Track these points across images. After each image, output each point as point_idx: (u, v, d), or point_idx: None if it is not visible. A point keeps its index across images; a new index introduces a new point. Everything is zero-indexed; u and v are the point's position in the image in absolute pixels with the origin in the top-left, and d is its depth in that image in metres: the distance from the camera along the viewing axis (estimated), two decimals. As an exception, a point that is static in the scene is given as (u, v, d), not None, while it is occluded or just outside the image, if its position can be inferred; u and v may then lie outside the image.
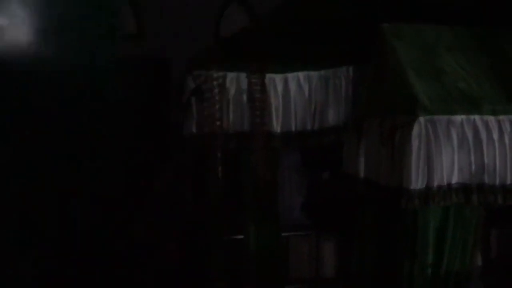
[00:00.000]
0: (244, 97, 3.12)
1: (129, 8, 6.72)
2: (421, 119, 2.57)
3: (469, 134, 2.60)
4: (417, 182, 2.57)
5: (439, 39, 2.83)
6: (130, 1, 6.65)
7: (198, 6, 6.58)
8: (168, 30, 6.43)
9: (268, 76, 3.14)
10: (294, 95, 3.18)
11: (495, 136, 2.62)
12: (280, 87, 3.16)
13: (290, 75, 3.16)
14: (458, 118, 2.60)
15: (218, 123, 3.10)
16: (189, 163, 3.34)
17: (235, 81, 3.12)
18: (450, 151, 2.59)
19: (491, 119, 2.62)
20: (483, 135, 2.61)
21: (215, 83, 3.09)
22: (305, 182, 3.88)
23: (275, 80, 3.15)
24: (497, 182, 2.60)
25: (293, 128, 3.20)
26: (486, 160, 2.60)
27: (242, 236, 3.36)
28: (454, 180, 2.58)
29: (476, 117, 2.62)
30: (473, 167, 2.60)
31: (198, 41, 6.03)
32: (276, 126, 3.18)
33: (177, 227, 3.63)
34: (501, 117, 2.62)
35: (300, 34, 3.35)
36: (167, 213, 3.77)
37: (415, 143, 2.58)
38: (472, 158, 2.60)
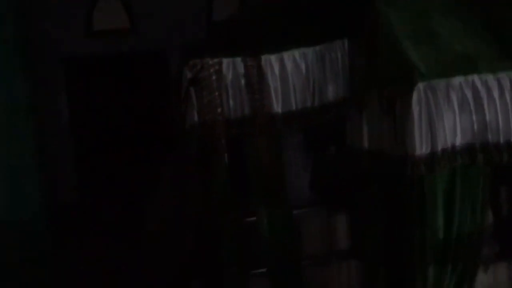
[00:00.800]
0: (242, 81, 3.12)
1: (120, 3, 6.71)
2: (420, 85, 2.57)
3: (469, 95, 2.60)
4: (421, 148, 2.58)
5: (431, 3, 2.82)
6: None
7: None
8: (161, 22, 6.42)
9: (264, 57, 3.14)
10: (292, 73, 3.18)
11: (496, 94, 2.62)
12: (276, 67, 3.15)
13: (286, 54, 3.15)
14: (457, 80, 2.60)
15: (219, 110, 3.11)
16: (194, 152, 3.36)
17: (231, 66, 3.12)
18: (452, 114, 2.59)
19: (490, 78, 2.62)
20: (483, 94, 2.61)
21: (211, 70, 3.09)
22: (311, 160, 3.90)
23: (271, 61, 3.14)
24: (501, 139, 2.61)
25: (294, 107, 3.20)
26: (488, 119, 2.61)
27: (254, 219, 3.38)
28: (458, 142, 2.59)
29: (475, 77, 2.62)
30: (475, 127, 2.60)
31: (192, 31, 6.03)
32: (277, 107, 3.18)
33: (187, 217, 3.66)
34: (500, 75, 2.62)
35: (292, 11, 3.34)
36: (176, 205, 3.80)
37: (416, 110, 2.59)
38: (474, 118, 2.60)
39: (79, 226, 6.11)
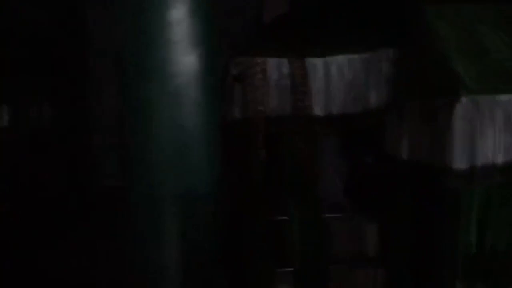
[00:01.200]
0: (286, 82, 3.18)
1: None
2: (464, 99, 2.57)
3: (514, 114, 2.59)
4: (460, 161, 2.58)
5: (482, 18, 2.81)
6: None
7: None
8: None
9: (309, 60, 3.18)
10: (335, 78, 3.22)
11: (542, 115, 2.60)
12: (321, 71, 3.19)
13: (331, 59, 3.19)
14: (503, 98, 2.59)
15: (260, 107, 3.17)
16: (234, 147, 3.43)
17: (276, 66, 3.18)
18: (495, 131, 2.58)
19: (537, 98, 2.60)
20: (529, 114, 2.59)
21: (257, 68, 3.15)
22: (347, 165, 3.92)
23: (316, 64, 3.19)
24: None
25: (335, 112, 3.24)
26: (532, 139, 2.59)
27: (285, 218, 3.43)
28: (499, 159, 2.58)
29: (522, 96, 2.60)
30: (518, 146, 2.59)
31: (241, 28, 6.11)
32: (318, 109, 3.22)
33: (222, 211, 3.73)
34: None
35: (341, 17, 3.38)
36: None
37: (458, 123, 2.59)
38: (518, 137, 2.59)
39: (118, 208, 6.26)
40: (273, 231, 3.39)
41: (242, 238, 3.44)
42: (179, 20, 1.17)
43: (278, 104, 3.20)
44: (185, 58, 1.19)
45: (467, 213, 2.64)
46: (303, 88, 3.16)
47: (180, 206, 1.18)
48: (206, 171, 1.26)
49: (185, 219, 1.21)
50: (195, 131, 1.22)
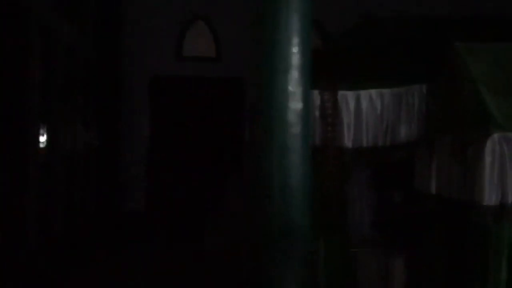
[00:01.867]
0: (317, 113, 3.23)
1: (208, 33, 7.12)
2: (495, 135, 2.58)
3: (545, 152, 2.57)
4: (490, 198, 2.56)
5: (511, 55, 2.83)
6: (211, 28, 7.06)
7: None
8: (244, 52, 6.72)
9: (341, 93, 3.24)
10: (366, 111, 3.26)
11: None
12: (352, 104, 3.24)
13: (363, 92, 3.24)
14: (534, 135, 2.59)
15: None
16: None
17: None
18: (525, 168, 2.57)
19: None
20: (560, 153, 2.57)
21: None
22: (376, 198, 3.91)
23: (347, 97, 3.24)
24: None
25: (365, 144, 3.27)
26: None
27: (311, 249, 3.43)
28: (529, 196, 2.56)
29: (554, 135, 2.59)
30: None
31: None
32: (348, 141, 3.26)
33: (248, 237, 3.76)
34: None
35: (372, 52, 3.44)
36: (238, 224, 3.91)
37: (488, 159, 2.58)
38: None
39: (145, 234, 6.37)
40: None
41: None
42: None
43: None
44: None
45: (497, 250, 2.61)
46: (333, 119, 3.21)
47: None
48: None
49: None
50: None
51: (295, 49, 1.23)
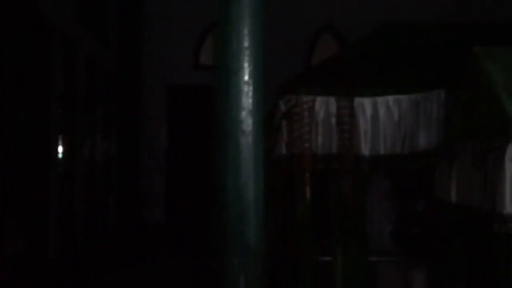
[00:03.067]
0: (333, 120, 3.21)
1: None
2: (514, 142, 2.51)
3: None
4: (511, 206, 2.50)
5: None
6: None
7: (290, 36, 6.83)
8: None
9: (357, 100, 3.21)
10: (383, 118, 3.22)
11: None
12: (369, 111, 3.21)
13: (380, 99, 3.20)
14: (555, 141, 2.52)
15: (307, 145, 3.20)
16: (279, 184, 3.46)
17: (324, 105, 3.22)
18: (547, 175, 2.50)
19: None
20: None
21: (305, 106, 3.21)
22: (396, 209, 3.85)
23: (364, 104, 3.21)
24: None
25: (382, 152, 3.23)
26: None
27: (329, 258, 3.39)
28: (551, 204, 2.48)
29: None
30: None
31: (290, 68, 6.28)
32: (365, 149, 3.22)
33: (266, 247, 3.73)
34: None
35: (390, 58, 3.40)
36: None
37: (509, 166, 2.52)
38: None
39: (165, 245, 6.39)
40: (317, 271, 3.35)
41: (286, 277, 3.41)
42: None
43: (325, 142, 3.23)
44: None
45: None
46: (350, 127, 3.18)
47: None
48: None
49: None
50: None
51: (246, 51, 1.25)
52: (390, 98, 3.22)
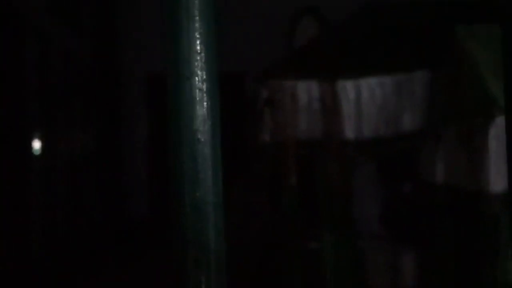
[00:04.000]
0: (316, 105, 3.22)
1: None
2: (499, 119, 2.55)
3: (552, 134, 2.54)
4: (497, 184, 2.54)
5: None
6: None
7: (269, 20, 6.81)
8: (242, 45, 6.71)
9: (340, 83, 3.22)
10: (367, 101, 3.24)
11: None
12: (352, 94, 3.23)
13: (363, 81, 3.22)
14: (540, 117, 2.56)
15: (291, 131, 3.21)
16: (264, 172, 3.47)
17: (306, 89, 3.23)
18: (532, 152, 2.54)
19: None
20: None
21: (287, 91, 3.21)
22: (382, 192, 3.89)
23: (347, 87, 3.22)
24: None
25: (367, 135, 3.25)
26: None
27: (317, 245, 3.42)
28: (536, 181, 2.53)
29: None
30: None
31: (272, 54, 6.27)
32: (349, 133, 3.24)
33: (253, 237, 3.75)
34: None
35: (373, 40, 3.41)
36: (242, 224, 3.91)
37: (493, 145, 2.56)
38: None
39: (149, 239, 6.39)
40: (305, 259, 3.39)
41: (273, 265, 3.44)
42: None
43: (308, 127, 3.24)
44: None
45: (506, 238, 2.59)
46: (334, 111, 3.19)
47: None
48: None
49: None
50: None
51: (198, 56, 1.23)
52: (373, 80, 3.24)
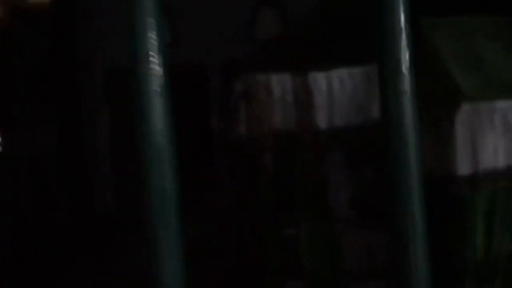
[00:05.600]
0: (290, 97, 3.39)
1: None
2: (464, 107, 2.79)
3: (512, 119, 2.80)
4: (463, 167, 2.78)
5: (478, 29, 3.04)
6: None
7: (229, 11, 6.91)
8: (200, 36, 6.77)
9: (312, 75, 3.40)
10: (338, 91, 3.44)
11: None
12: (323, 85, 3.41)
13: (333, 73, 3.41)
14: (501, 103, 2.81)
15: (266, 124, 3.38)
16: (237, 164, 3.62)
17: (280, 82, 3.39)
18: (494, 137, 2.80)
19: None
20: (526, 119, 2.80)
21: (261, 85, 3.37)
22: (354, 177, 4.10)
23: (318, 79, 3.40)
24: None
25: (339, 125, 3.45)
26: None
27: (294, 231, 3.61)
28: (500, 164, 2.79)
29: (519, 103, 2.81)
30: (517, 150, 2.80)
31: (231, 45, 6.37)
32: (322, 123, 3.43)
33: (229, 227, 3.91)
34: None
35: (339, 31, 3.61)
36: (219, 214, 4.05)
37: (459, 130, 2.79)
38: (516, 141, 2.80)
39: (116, 235, 6.43)
40: (283, 245, 3.57)
41: (253, 253, 3.61)
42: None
43: (283, 119, 3.42)
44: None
45: (473, 218, 2.84)
46: (306, 103, 3.38)
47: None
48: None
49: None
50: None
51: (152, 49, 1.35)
52: (344, 72, 3.43)
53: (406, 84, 1.45)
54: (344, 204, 4.08)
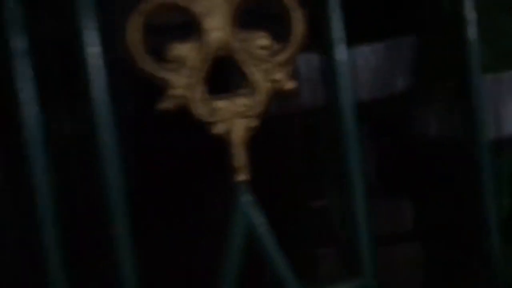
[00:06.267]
0: (316, 75, 3.55)
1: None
2: (487, 77, 2.94)
3: (533, 87, 2.96)
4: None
5: (496, 3, 3.17)
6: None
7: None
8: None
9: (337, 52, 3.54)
10: (361, 67, 3.59)
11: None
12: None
13: (357, 49, 3.55)
14: (522, 72, 2.97)
15: (294, 101, 3.55)
16: (270, 141, 3.80)
17: (306, 61, 3.54)
18: (516, 104, 2.96)
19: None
20: (547, 86, 2.96)
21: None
22: (376, 148, 4.28)
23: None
24: None
25: (362, 99, 3.61)
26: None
27: (323, 203, 3.81)
28: (523, 129, 2.96)
29: (541, 71, 2.96)
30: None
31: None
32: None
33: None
34: None
35: (361, 7, 3.73)
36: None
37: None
38: (538, 108, 2.96)
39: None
40: (313, 217, 3.76)
41: (282, 225, 3.81)
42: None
43: (310, 96, 3.58)
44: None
45: (499, 180, 3.00)
46: (333, 79, 3.52)
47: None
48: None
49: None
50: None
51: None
52: (366, 47, 3.57)
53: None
54: (371, 173, 4.26)
